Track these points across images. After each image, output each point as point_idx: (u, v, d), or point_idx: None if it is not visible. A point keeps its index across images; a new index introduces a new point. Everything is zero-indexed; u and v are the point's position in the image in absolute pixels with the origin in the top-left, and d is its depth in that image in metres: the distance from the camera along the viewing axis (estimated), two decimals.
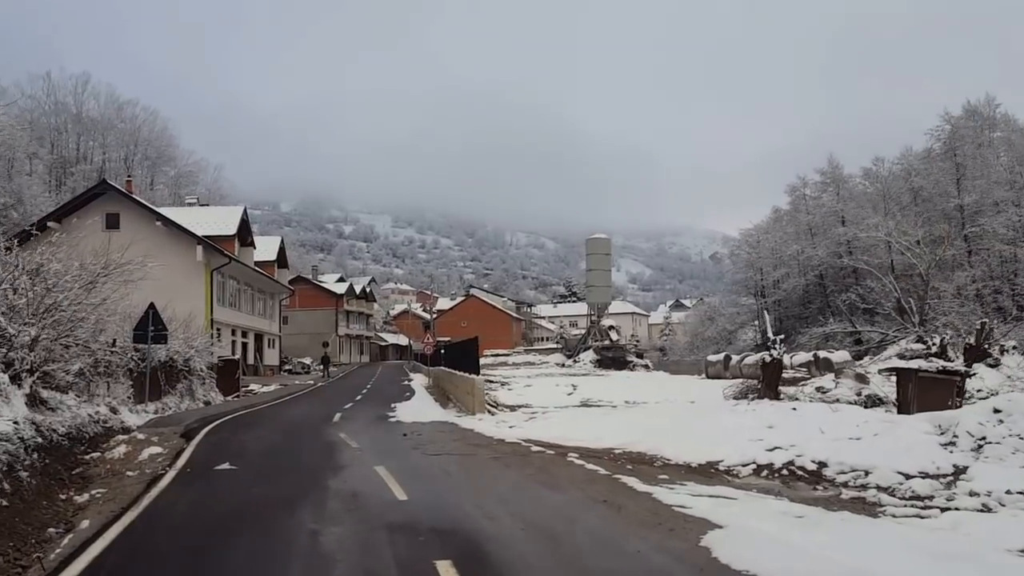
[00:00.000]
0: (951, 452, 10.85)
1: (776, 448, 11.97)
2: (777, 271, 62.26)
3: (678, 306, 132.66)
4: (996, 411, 11.78)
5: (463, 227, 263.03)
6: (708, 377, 43.06)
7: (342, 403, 25.21)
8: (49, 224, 30.00)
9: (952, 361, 19.42)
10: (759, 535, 6.35)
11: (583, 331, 78.68)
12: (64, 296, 15.01)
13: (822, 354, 37.42)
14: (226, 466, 11.50)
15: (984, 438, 11.11)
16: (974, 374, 19.30)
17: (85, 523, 8.06)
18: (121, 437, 15.13)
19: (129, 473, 11.31)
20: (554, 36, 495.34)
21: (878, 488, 9.55)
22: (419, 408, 22.46)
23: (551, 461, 11.34)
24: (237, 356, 37.17)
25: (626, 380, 42.57)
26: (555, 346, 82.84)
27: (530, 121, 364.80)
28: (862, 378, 24.20)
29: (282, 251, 54.78)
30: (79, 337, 16.58)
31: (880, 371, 24.28)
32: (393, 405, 23.52)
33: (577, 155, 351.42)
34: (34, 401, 13.78)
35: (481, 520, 7.35)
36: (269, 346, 50.25)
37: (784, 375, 23.04)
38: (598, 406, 23.47)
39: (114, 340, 19.72)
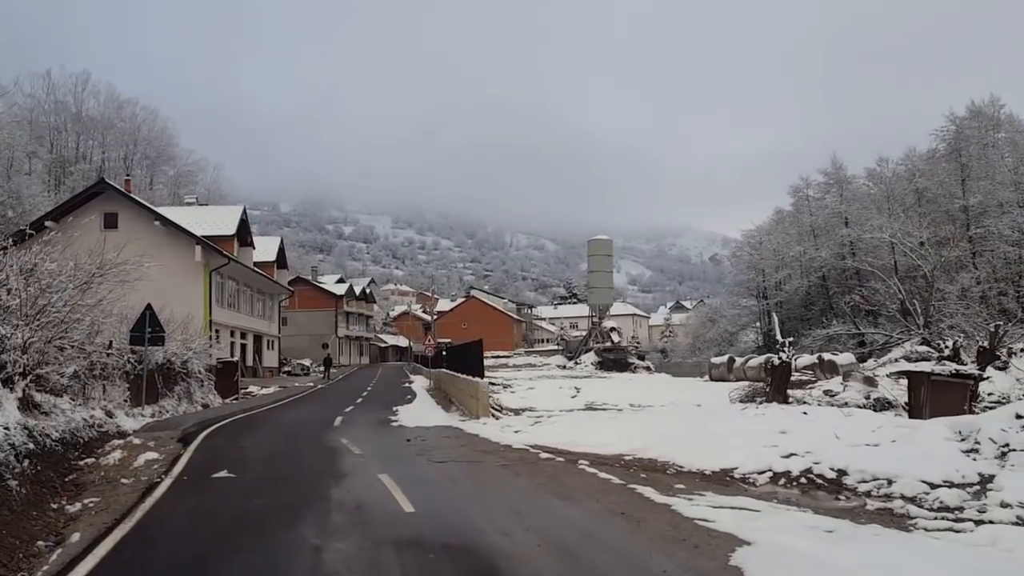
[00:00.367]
0: (974, 460, 10.47)
1: (792, 455, 11.58)
2: (779, 272, 61.89)
3: (678, 308, 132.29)
4: (1019, 417, 11.42)
5: (463, 228, 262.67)
6: (712, 379, 42.71)
7: (343, 406, 24.83)
8: (46, 224, 29.58)
9: (964, 364, 19.03)
10: (791, 553, 5.97)
11: (584, 333, 78.33)
12: (58, 297, 14.62)
13: (826, 356, 37.04)
14: (224, 473, 11.11)
15: (1008, 445, 10.74)
16: (988, 378, 18.93)
17: (76, 536, 7.68)
18: (117, 442, 14.76)
19: (124, 481, 10.93)
20: (554, 37, 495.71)
21: (903, 498, 9.15)
22: (421, 412, 22.10)
23: (562, 469, 10.94)
24: (236, 358, 36.78)
25: (629, 382, 42.28)
26: (556, 348, 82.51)
27: (530, 122, 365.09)
28: (871, 381, 23.85)
29: (281, 252, 54.40)
30: (74, 339, 16.18)
31: (891, 374, 23.93)
32: (395, 408, 23.15)
33: (577, 156, 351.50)
34: (27, 405, 13.40)
35: (494, 535, 6.95)
36: (268, 347, 49.86)
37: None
38: (603, 410, 23.09)
39: (110, 342, 19.33)
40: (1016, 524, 7.79)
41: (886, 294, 45.64)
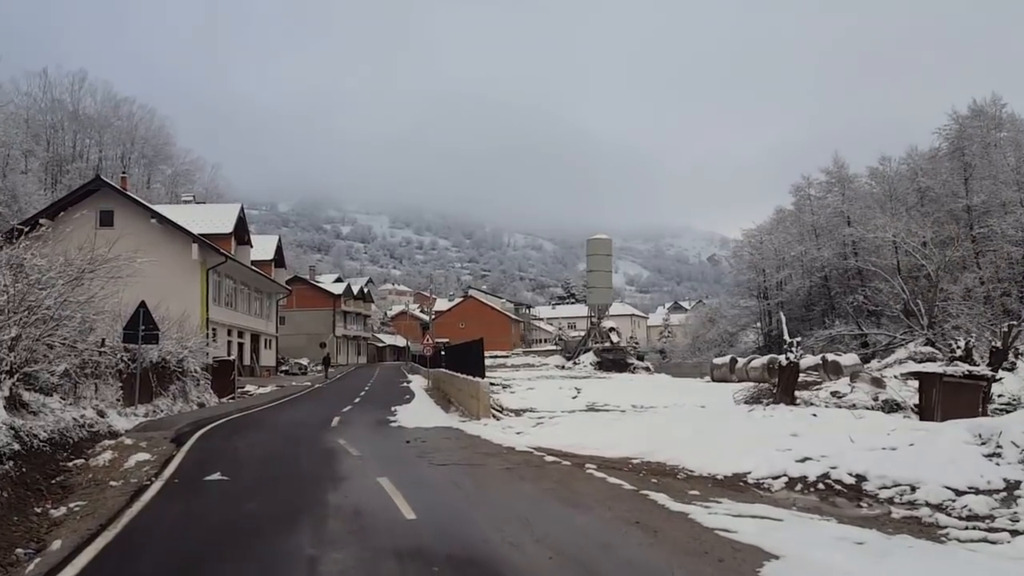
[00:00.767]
0: (998, 465, 10.03)
1: (807, 459, 11.15)
2: (780, 272, 61.51)
3: (676, 308, 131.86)
4: None
5: (461, 228, 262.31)
6: (713, 380, 42.28)
7: (340, 406, 24.41)
8: (41, 221, 28.99)
9: (977, 365, 18.62)
10: (824, 569, 5.54)
11: (582, 333, 77.88)
12: (47, 293, 14.17)
13: (830, 357, 36.59)
14: (217, 476, 10.66)
15: None
16: (1000, 379, 18.53)
17: (57, 544, 7.23)
18: (108, 442, 14.36)
19: (113, 483, 10.49)
20: (553, 37, 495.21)
21: (929, 505, 8.72)
22: (420, 412, 21.70)
23: (569, 473, 10.49)
24: (233, 357, 36.30)
25: (629, 383, 41.83)
26: (554, 348, 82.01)
27: (528, 122, 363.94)
28: (878, 382, 23.46)
29: (279, 250, 53.97)
30: (64, 336, 15.75)
31: (903, 375, 23.52)
32: (393, 408, 22.74)
33: (575, 156, 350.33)
34: (14, 404, 12.98)
35: (502, 546, 6.50)
36: (266, 347, 49.44)
37: None
38: (605, 411, 22.67)
39: (103, 340, 18.90)
40: None
41: (889, 294, 45.27)
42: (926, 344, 40.15)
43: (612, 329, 69.41)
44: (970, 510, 8.43)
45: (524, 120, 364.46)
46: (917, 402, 20.55)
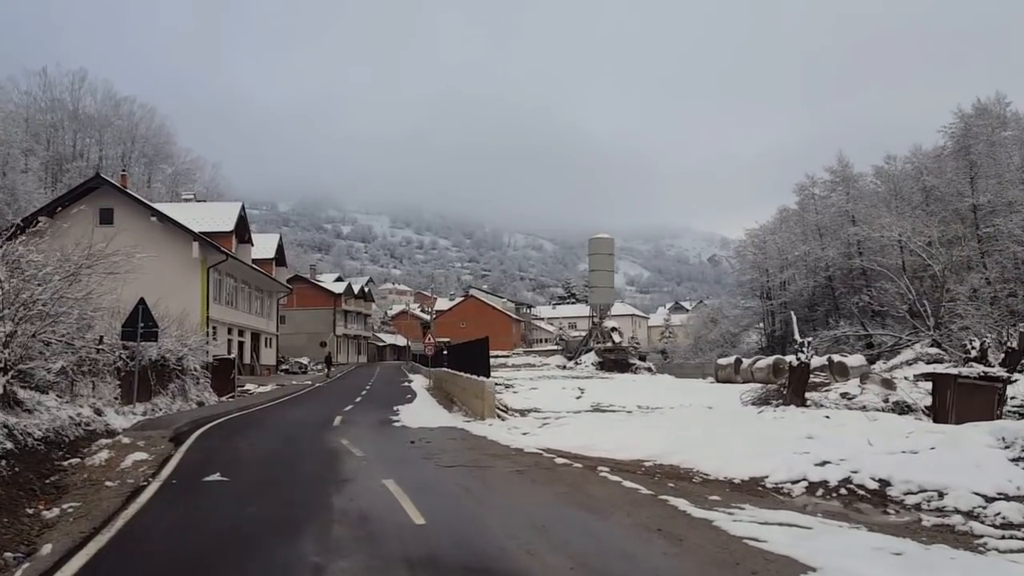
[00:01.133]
0: None
1: (826, 463, 10.78)
2: (784, 272, 61.08)
3: (677, 308, 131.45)
4: None
5: (461, 228, 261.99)
6: (718, 381, 41.92)
7: (342, 405, 24.06)
8: (40, 219, 28.71)
9: (992, 367, 18.26)
10: None
11: (583, 333, 77.44)
12: (43, 289, 13.81)
13: (836, 358, 36.23)
14: (217, 477, 10.29)
15: None
16: (1016, 380, 18.15)
17: (48, 548, 6.86)
18: (104, 441, 14.02)
19: (108, 483, 10.13)
20: (552, 37, 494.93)
21: (959, 513, 8.34)
22: (423, 411, 21.34)
23: (582, 476, 10.10)
24: (233, 355, 35.94)
25: (632, 383, 41.45)
26: (555, 348, 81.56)
27: (528, 122, 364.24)
28: (888, 384, 23.12)
29: (280, 249, 53.64)
30: (61, 333, 15.41)
31: (914, 376, 23.16)
32: (395, 408, 22.39)
33: (575, 156, 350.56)
34: (8, 402, 12.66)
35: (519, 555, 6.11)
36: (266, 345, 49.09)
37: None
38: (611, 411, 22.31)
39: (101, 337, 18.56)
40: None
41: (895, 294, 44.89)
42: (932, 345, 39.78)
43: (614, 329, 68.95)
44: (1004, 518, 8.06)
45: (524, 120, 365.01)
46: (929, 404, 20.21)
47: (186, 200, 48.79)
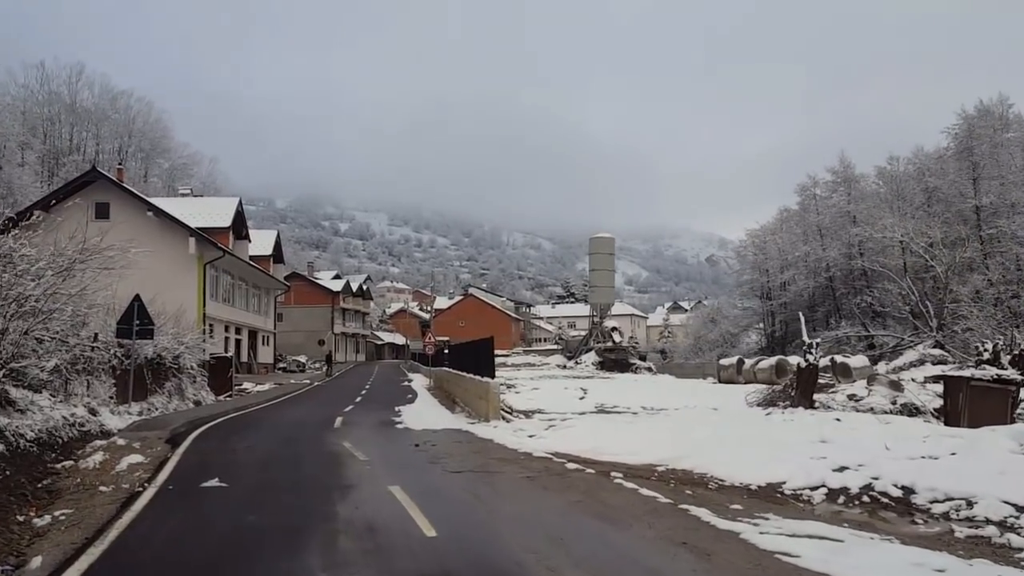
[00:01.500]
0: None
1: (844, 468, 10.44)
2: (784, 273, 60.82)
3: (676, 308, 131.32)
4: None
5: (460, 226, 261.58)
6: (720, 381, 41.62)
7: (342, 405, 23.67)
8: (35, 213, 28.29)
9: (1005, 369, 17.93)
10: None
11: (582, 332, 77.10)
12: (36, 284, 13.40)
13: (839, 359, 35.90)
14: (215, 482, 9.89)
15: None
16: None
17: (38, 560, 6.47)
18: (99, 443, 13.64)
19: (103, 488, 9.74)
20: (552, 36, 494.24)
21: (992, 523, 7.97)
22: (425, 412, 20.95)
23: (596, 483, 9.71)
24: (230, 353, 35.54)
25: (634, 383, 41.18)
26: (554, 347, 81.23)
27: (528, 121, 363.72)
28: (896, 386, 22.79)
29: (278, 246, 53.22)
30: (55, 330, 15.01)
31: (926, 378, 22.85)
32: (397, 408, 22.00)
33: (574, 156, 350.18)
34: (0, 402, 12.24)
35: (539, 572, 5.69)
36: (264, 343, 48.68)
37: None
38: (616, 412, 21.99)
39: (96, 334, 18.14)
40: None
41: (897, 295, 44.63)
42: (935, 347, 39.53)
43: (615, 329, 68.64)
44: None
45: (524, 119, 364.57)
46: (938, 406, 19.88)
47: (183, 195, 48.33)
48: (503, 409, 18.88)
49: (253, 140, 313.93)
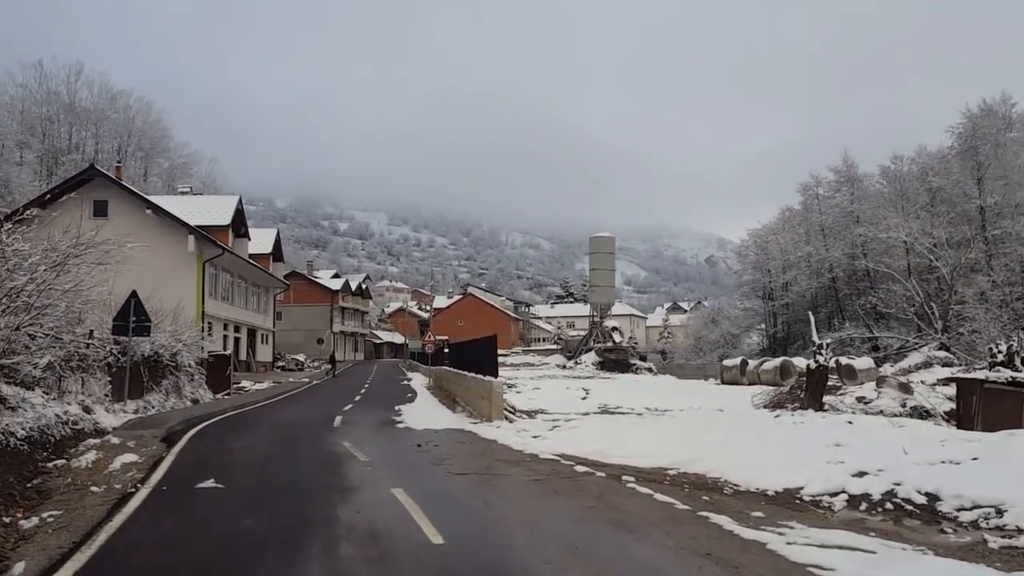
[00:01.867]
0: None
1: (863, 473, 10.06)
2: (787, 273, 60.43)
3: (675, 309, 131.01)
4: None
5: (459, 226, 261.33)
6: (723, 382, 41.26)
7: (341, 404, 23.30)
8: (32, 210, 27.90)
9: (1020, 371, 17.57)
10: None
11: (582, 332, 76.67)
12: (28, 279, 13.02)
13: (844, 360, 35.50)
14: (210, 483, 9.52)
15: None
16: None
17: (20, 566, 6.10)
18: (92, 441, 13.30)
19: (94, 488, 9.37)
20: (552, 36, 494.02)
21: (1020, 532, 7.60)
22: (426, 412, 20.60)
23: (608, 487, 9.32)
24: (229, 351, 35.14)
25: (636, 384, 40.80)
26: (554, 347, 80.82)
27: (527, 121, 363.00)
28: (905, 388, 22.45)
29: (278, 244, 52.89)
30: (48, 326, 14.63)
31: (938, 380, 22.50)
32: (397, 408, 21.64)
33: (573, 156, 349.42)
34: None
35: None
36: (262, 342, 48.32)
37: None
38: (620, 413, 21.61)
39: (91, 331, 17.78)
40: None
41: (901, 296, 44.25)
42: (940, 348, 39.13)
43: (615, 329, 68.21)
44: None
45: (523, 119, 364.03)
46: (948, 409, 19.56)
47: (182, 193, 47.98)
48: (506, 409, 18.50)
49: (253, 140, 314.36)
